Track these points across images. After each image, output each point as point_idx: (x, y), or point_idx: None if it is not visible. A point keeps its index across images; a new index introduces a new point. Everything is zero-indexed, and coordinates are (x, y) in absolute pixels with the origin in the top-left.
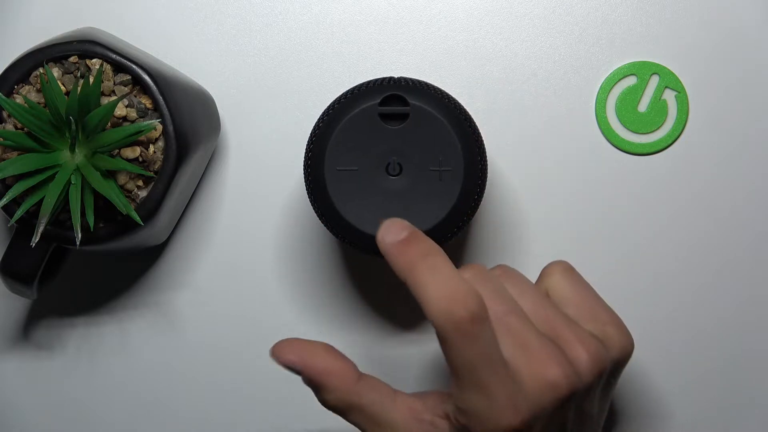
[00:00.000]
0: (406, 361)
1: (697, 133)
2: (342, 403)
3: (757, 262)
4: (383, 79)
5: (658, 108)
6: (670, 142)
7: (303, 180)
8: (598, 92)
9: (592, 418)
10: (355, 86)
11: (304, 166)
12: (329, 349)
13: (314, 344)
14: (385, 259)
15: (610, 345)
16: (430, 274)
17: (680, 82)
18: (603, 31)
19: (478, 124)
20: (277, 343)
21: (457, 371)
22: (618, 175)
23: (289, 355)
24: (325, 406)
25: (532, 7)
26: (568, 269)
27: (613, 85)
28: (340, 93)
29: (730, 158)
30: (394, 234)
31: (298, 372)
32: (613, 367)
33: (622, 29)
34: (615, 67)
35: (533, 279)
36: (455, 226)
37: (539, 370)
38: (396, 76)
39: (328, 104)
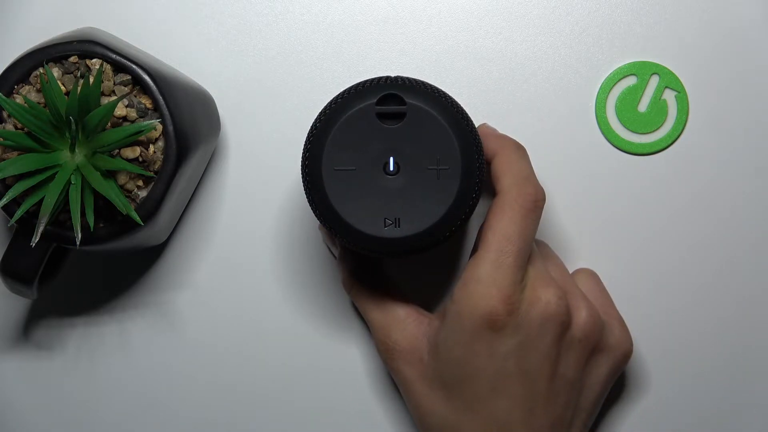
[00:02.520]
0: None
1: (697, 133)
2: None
3: (757, 262)
4: (380, 78)
5: (658, 108)
6: (670, 142)
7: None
8: (598, 92)
9: (580, 393)
10: (352, 86)
11: (302, 166)
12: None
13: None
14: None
15: (609, 331)
16: (520, 158)
17: (680, 82)
18: (603, 31)
19: (477, 123)
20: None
21: (494, 239)
22: (618, 175)
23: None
24: (344, 282)
25: (532, 7)
26: (593, 273)
27: (613, 85)
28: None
29: (730, 158)
30: (490, 129)
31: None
32: (602, 347)
33: (622, 29)
34: (615, 67)
35: None
36: (453, 225)
37: (539, 289)
38: (393, 75)
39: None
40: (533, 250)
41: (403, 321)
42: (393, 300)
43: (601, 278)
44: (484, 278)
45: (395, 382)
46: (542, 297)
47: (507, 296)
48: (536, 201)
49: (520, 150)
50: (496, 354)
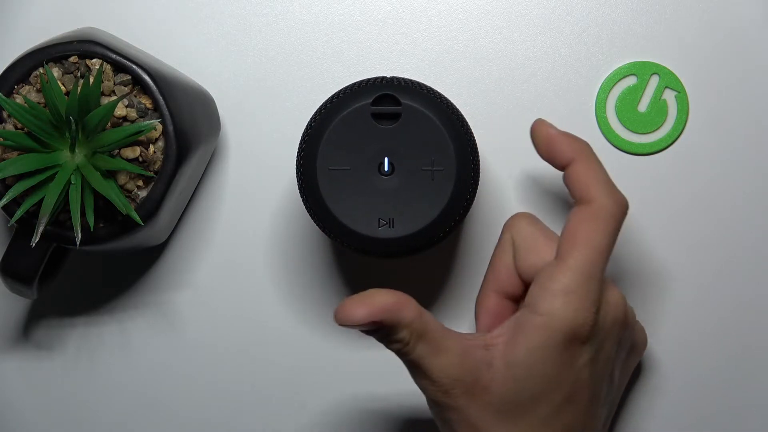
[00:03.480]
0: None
1: (697, 133)
2: (415, 333)
3: (757, 262)
4: (375, 78)
5: (658, 108)
6: (670, 142)
7: None
8: (598, 92)
9: (614, 382)
10: (347, 86)
11: (297, 165)
12: (389, 290)
13: (373, 292)
14: (370, 255)
15: (632, 328)
16: (599, 164)
17: (680, 82)
18: (603, 31)
19: (477, 124)
20: (338, 308)
21: (584, 248)
22: (618, 175)
23: (356, 312)
24: (395, 345)
25: (532, 7)
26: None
27: (613, 85)
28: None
29: (730, 158)
30: (562, 135)
31: (372, 323)
32: (627, 338)
33: (622, 29)
34: (615, 67)
35: None
36: (447, 226)
37: (608, 292)
38: (388, 76)
39: None
40: None
41: (454, 350)
42: (446, 333)
43: None
44: (576, 290)
45: (451, 422)
46: (611, 300)
47: (598, 309)
48: (626, 210)
49: (595, 155)
50: (576, 364)
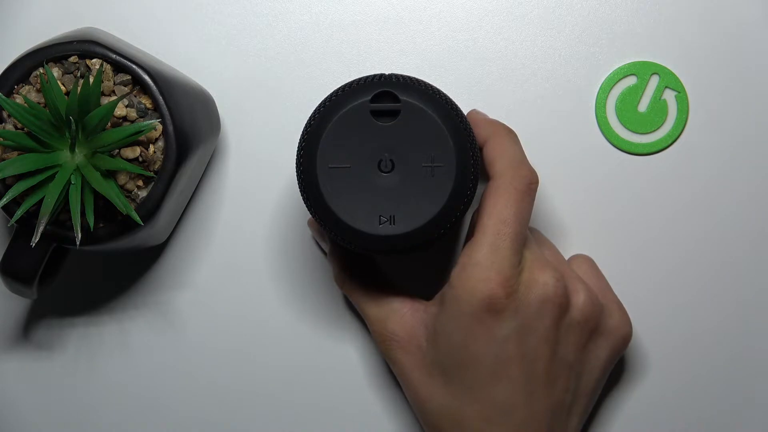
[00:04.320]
0: None
1: (697, 133)
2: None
3: (757, 262)
4: (374, 76)
5: (658, 108)
6: (670, 142)
7: None
8: (598, 92)
9: (579, 378)
10: (346, 83)
11: (297, 164)
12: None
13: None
14: (369, 252)
15: (608, 314)
16: (513, 141)
17: (680, 82)
18: (603, 31)
19: None
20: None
21: (491, 223)
22: (618, 175)
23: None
24: (337, 278)
25: (533, 7)
26: (590, 259)
27: (613, 85)
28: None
29: (730, 158)
30: (481, 114)
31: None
32: (602, 330)
33: (622, 29)
34: (615, 67)
35: None
36: (447, 222)
37: (537, 272)
38: (387, 73)
39: None
40: (528, 236)
41: (399, 311)
42: (386, 291)
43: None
44: (482, 261)
45: (394, 373)
46: (540, 279)
47: (505, 279)
48: (531, 183)
49: (511, 134)
50: (495, 338)
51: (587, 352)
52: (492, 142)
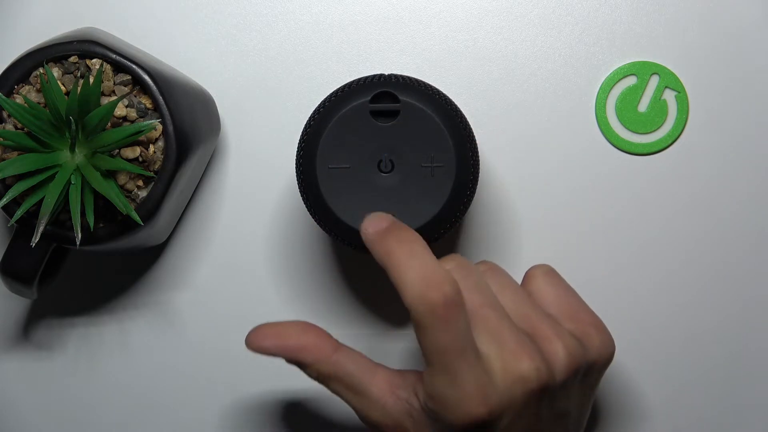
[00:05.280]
0: (400, 357)
1: (697, 133)
2: (320, 375)
3: (757, 262)
4: (373, 76)
5: (658, 108)
6: (670, 142)
7: None
8: (598, 92)
9: (569, 416)
10: (346, 84)
11: (296, 165)
12: (302, 326)
13: (286, 324)
14: (369, 252)
15: (588, 345)
16: (408, 259)
17: (680, 82)
18: (603, 31)
19: (477, 123)
20: (250, 333)
21: (428, 356)
22: (618, 175)
23: (263, 342)
24: (311, 378)
25: (532, 7)
26: (549, 272)
27: (613, 85)
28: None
29: (730, 158)
30: (375, 225)
31: (274, 355)
32: (588, 366)
33: (622, 29)
34: (615, 67)
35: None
36: (448, 222)
37: (511, 363)
38: (386, 73)
39: None
40: (474, 311)
41: (380, 401)
42: (367, 376)
43: (572, 279)
44: (446, 393)
45: None
46: (516, 371)
47: (483, 399)
48: (441, 306)
49: (403, 245)
50: None
51: (577, 394)
52: (388, 265)
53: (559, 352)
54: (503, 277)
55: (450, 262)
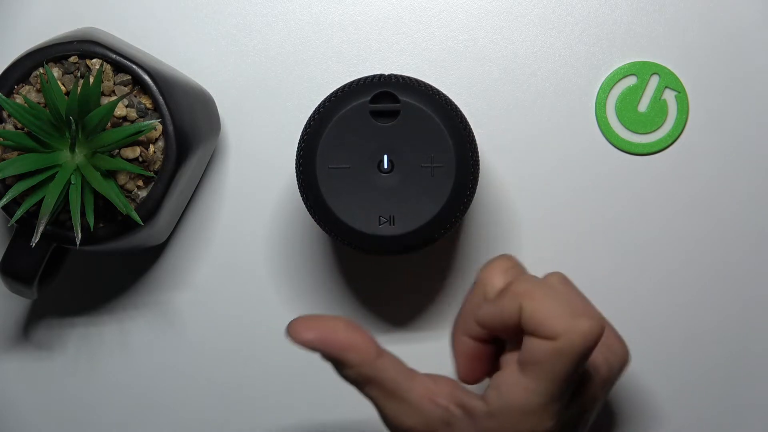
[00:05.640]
0: (399, 357)
1: (697, 133)
2: (361, 378)
3: (757, 262)
4: (373, 76)
5: (658, 108)
6: (670, 142)
7: None
8: (598, 92)
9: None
10: (346, 84)
11: (296, 165)
12: (349, 323)
13: (333, 320)
14: (380, 254)
15: (608, 355)
16: (546, 295)
17: (680, 82)
18: (603, 31)
19: (477, 123)
20: (293, 322)
21: (547, 378)
22: (618, 175)
23: (307, 334)
24: (345, 380)
25: (532, 7)
26: (564, 280)
27: (613, 85)
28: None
29: (730, 158)
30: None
31: (316, 351)
32: (610, 372)
33: (622, 29)
34: (615, 67)
35: None
36: (448, 222)
37: (572, 319)
38: (386, 73)
39: None
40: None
41: (419, 407)
42: (407, 381)
43: (572, 279)
44: (525, 406)
45: None
46: (581, 327)
47: (553, 416)
48: (599, 335)
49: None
50: None
51: (598, 395)
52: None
53: (597, 371)
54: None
55: (508, 262)
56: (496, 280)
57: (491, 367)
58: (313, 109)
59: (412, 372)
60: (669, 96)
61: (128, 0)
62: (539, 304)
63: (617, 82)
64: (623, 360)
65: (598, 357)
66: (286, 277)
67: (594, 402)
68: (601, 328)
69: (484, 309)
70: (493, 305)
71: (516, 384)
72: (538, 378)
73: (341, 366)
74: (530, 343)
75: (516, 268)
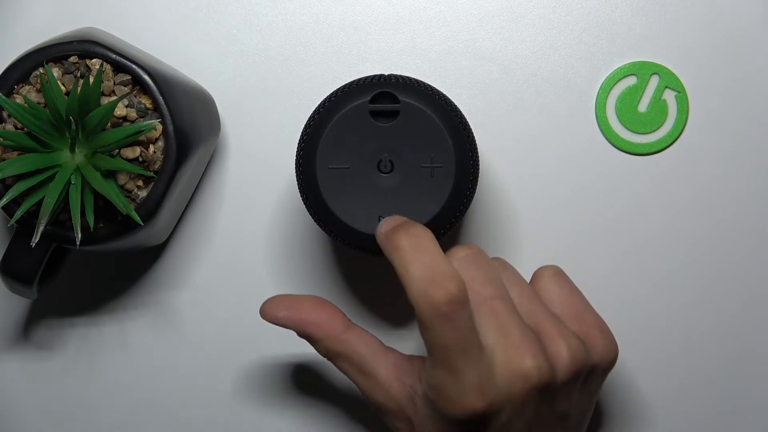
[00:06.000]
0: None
1: (697, 133)
2: (329, 352)
3: (757, 262)
4: (373, 76)
5: (658, 108)
6: (670, 142)
7: None
8: (598, 92)
9: (569, 419)
10: (345, 84)
11: (296, 165)
12: (317, 301)
13: (301, 298)
14: (383, 254)
15: (591, 348)
16: (414, 255)
17: (680, 82)
18: (603, 31)
19: (477, 123)
20: (265, 302)
21: (430, 350)
22: (618, 175)
23: (277, 312)
24: (320, 355)
25: (532, 7)
26: (558, 273)
27: (613, 85)
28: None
29: (730, 158)
30: (387, 225)
31: (286, 326)
32: (591, 369)
33: (622, 29)
34: (615, 67)
35: (529, 278)
36: (448, 222)
37: (513, 358)
38: (386, 74)
39: None
40: (483, 301)
41: (385, 383)
42: (376, 359)
43: (572, 279)
44: (446, 383)
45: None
46: (519, 368)
47: (481, 393)
48: (446, 303)
49: (411, 240)
50: None
51: (579, 396)
52: (394, 261)
53: (563, 352)
54: (513, 273)
55: (464, 250)
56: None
57: None
58: (313, 109)
59: (384, 349)
60: (669, 96)
61: (128, 0)
62: (402, 259)
63: (617, 82)
64: (606, 356)
65: (572, 366)
66: (286, 277)
67: (570, 404)
68: (452, 287)
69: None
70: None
71: (426, 366)
72: (429, 354)
73: (311, 341)
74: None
75: (472, 255)
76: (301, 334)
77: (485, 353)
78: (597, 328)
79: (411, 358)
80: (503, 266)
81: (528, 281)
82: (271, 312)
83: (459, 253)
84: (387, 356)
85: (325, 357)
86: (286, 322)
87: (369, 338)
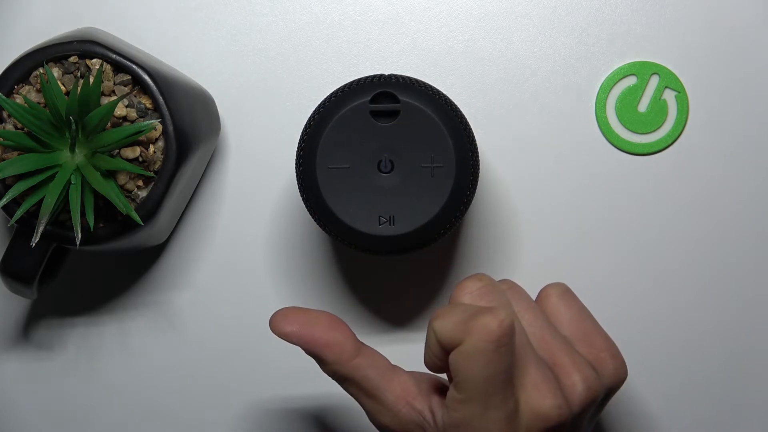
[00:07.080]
0: (399, 357)
1: (697, 133)
2: (337, 376)
3: (757, 262)
4: (373, 76)
5: (658, 108)
6: (670, 142)
7: None
8: (598, 92)
9: None
10: (346, 84)
11: (296, 165)
12: (331, 320)
13: (316, 315)
14: (383, 254)
15: (604, 372)
16: (459, 290)
17: (680, 82)
18: (603, 31)
19: (477, 123)
20: (276, 313)
21: (466, 383)
22: (618, 175)
23: (287, 327)
24: (325, 374)
25: (532, 7)
26: (565, 291)
27: (613, 85)
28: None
29: (730, 158)
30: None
31: (296, 344)
32: (604, 394)
33: (622, 29)
34: (615, 67)
35: (529, 279)
36: (448, 222)
37: (534, 398)
38: (386, 73)
39: None
40: (514, 327)
41: (394, 407)
42: (385, 380)
43: (572, 279)
44: (475, 424)
45: None
46: (540, 408)
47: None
48: (497, 338)
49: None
50: None
51: (589, 419)
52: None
53: (578, 386)
54: (523, 298)
55: (476, 283)
56: (464, 301)
57: None
58: (313, 109)
59: (393, 371)
60: (669, 96)
61: (128, 0)
62: (441, 321)
63: (617, 82)
64: (616, 379)
65: (587, 398)
66: (286, 277)
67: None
68: (505, 318)
69: (426, 345)
70: (426, 343)
71: (452, 398)
72: (463, 388)
73: (319, 362)
74: (450, 358)
75: (485, 288)
76: (310, 353)
77: (515, 391)
78: (607, 351)
79: (419, 381)
80: (512, 290)
81: (530, 280)
82: (281, 327)
83: (471, 287)
84: (395, 379)
85: (331, 378)
86: (296, 340)
87: (378, 360)
